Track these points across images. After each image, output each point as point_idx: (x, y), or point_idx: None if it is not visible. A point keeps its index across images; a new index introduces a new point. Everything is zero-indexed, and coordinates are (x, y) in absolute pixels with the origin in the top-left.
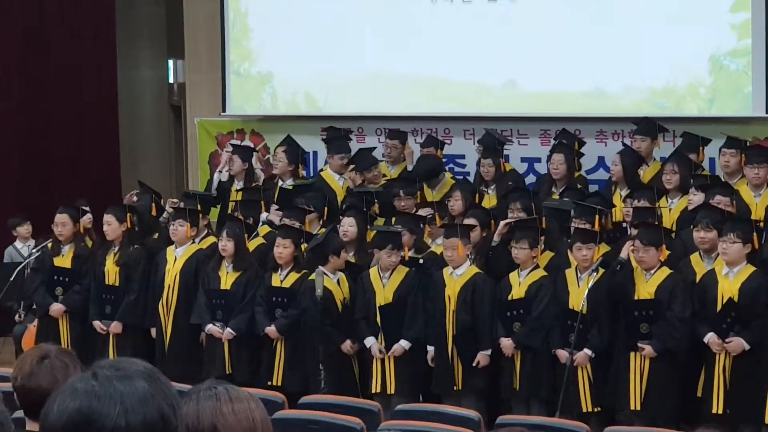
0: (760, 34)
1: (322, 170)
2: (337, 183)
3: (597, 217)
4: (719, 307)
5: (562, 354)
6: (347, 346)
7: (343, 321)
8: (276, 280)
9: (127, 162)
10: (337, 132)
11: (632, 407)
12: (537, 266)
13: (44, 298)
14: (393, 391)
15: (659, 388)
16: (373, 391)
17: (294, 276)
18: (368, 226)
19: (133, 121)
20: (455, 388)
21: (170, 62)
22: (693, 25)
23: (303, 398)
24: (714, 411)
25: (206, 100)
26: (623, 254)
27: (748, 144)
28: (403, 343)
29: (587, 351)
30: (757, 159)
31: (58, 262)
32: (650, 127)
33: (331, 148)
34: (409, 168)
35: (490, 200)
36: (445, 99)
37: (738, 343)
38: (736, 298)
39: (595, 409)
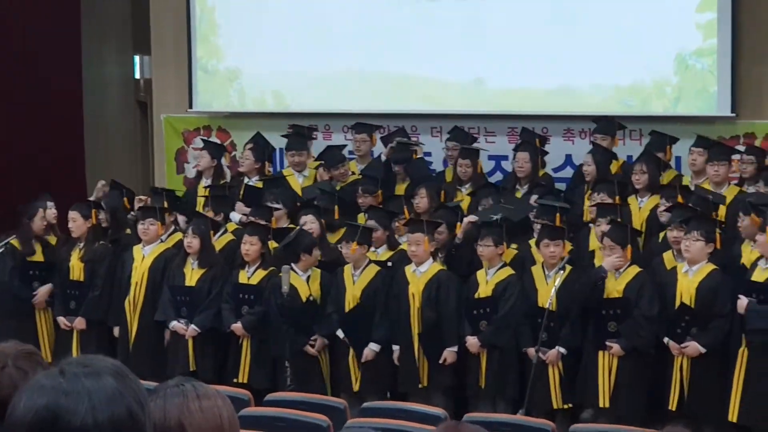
0: (725, 34)
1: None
2: (296, 180)
3: (558, 215)
4: (677, 304)
5: (532, 352)
6: (310, 347)
7: (306, 319)
8: (243, 277)
9: (93, 158)
10: (299, 129)
11: (601, 404)
12: (504, 264)
13: (21, 290)
14: (358, 389)
15: (627, 386)
16: (355, 389)
17: (261, 273)
18: (336, 221)
19: (99, 118)
20: (421, 385)
21: (136, 58)
22: (659, 24)
23: (269, 395)
24: (670, 408)
25: (173, 96)
26: (606, 266)
27: (713, 142)
28: (373, 347)
29: (560, 348)
30: (718, 157)
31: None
32: (609, 125)
33: (286, 146)
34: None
35: (465, 199)
36: (412, 96)
37: (693, 348)
38: (693, 297)
39: (566, 406)
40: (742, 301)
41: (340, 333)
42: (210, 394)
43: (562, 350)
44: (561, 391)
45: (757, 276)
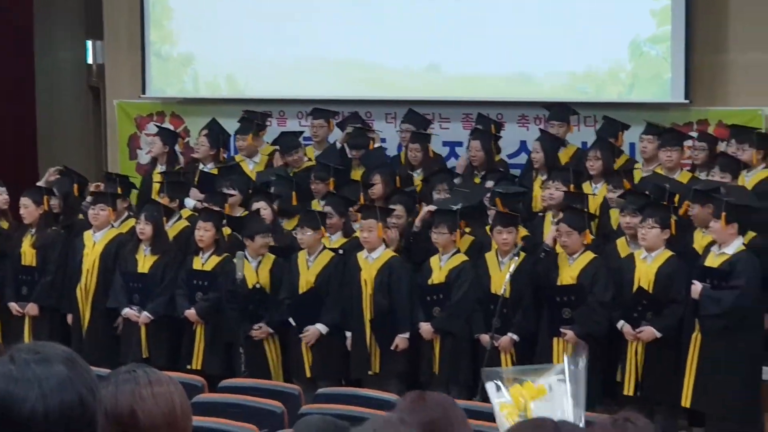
0: (679, 21)
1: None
2: (247, 166)
3: (514, 201)
4: (635, 290)
5: (485, 338)
6: (258, 331)
7: (251, 306)
8: (197, 263)
9: (45, 144)
10: (250, 115)
11: None
12: (458, 251)
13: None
14: (311, 375)
15: None
16: (308, 375)
17: (215, 259)
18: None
19: (51, 103)
20: (374, 371)
21: (89, 43)
22: (614, 11)
23: (223, 382)
24: (625, 392)
25: (126, 81)
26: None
27: (666, 129)
28: (320, 327)
29: (512, 335)
30: (671, 143)
31: None
32: (563, 111)
33: (235, 131)
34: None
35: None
36: (367, 82)
37: (649, 333)
38: (652, 283)
39: None
40: (697, 287)
41: (292, 321)
42: (162, 380)
43: (515, 337)
44: None
45: (711, 261)
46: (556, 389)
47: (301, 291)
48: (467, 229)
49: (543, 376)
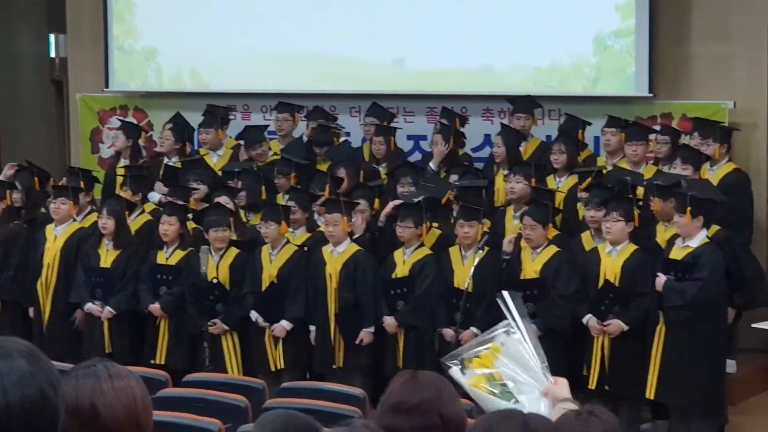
0: (643, 15)
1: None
2: (211, 160)
3: (479, 193)
4: (601, 284)
5: (448, 332)
6: (214, 327)
7: (209, 300)
8: (161, 257)
9: (8, 138)
10: (213, 109)
11: None
12: (422, 244)
13: None
14: (275, 369)
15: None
16: (273, 369)
17: (180, 253)
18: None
19: (14, 97)
20: (337, 365)
21: (51, 36)
22: (578, 5)
23: (187, 376)
24: (590, 386)
25: (89, 75)
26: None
27: (629, 122)
28: (285, 324)
29: (474, 329)
30: (636, 137)
31: None
32: (527, 104)
33: (199, 125)
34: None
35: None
36: (331, 76)
37: (616, 326)
38: (618, 276)
39: None
40: (661, 279)
41: (253, 315)
42: (123, 374)
43: (477, 331)
44: None
45: (675, 254)
46: (509, 342)
47: (264, 285)
48: (434, 224)
49: (493, 337)
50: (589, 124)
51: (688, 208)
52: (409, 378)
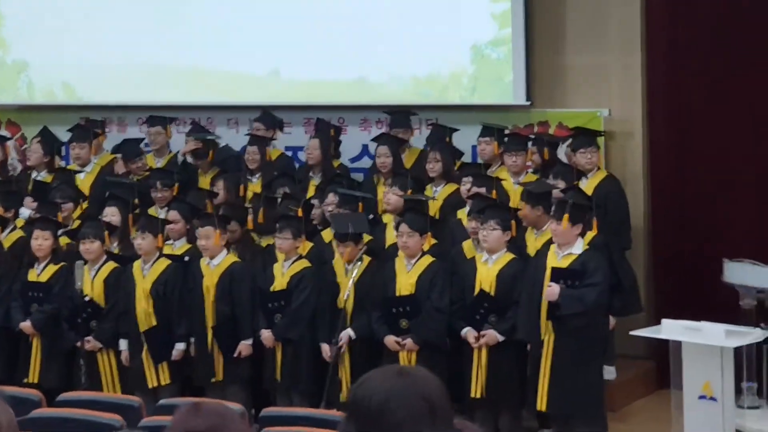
0: (519, 24)
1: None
2: (79, 176)
3: (361, 204)
4: (476, 293)
5: (326, 348)
6: (89, 344)
7: (79, 317)
8: (32, 274)
9: None
10: (87, 122)
11: None
12: (300, 257)
13: None
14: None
15: None
16: (150, 386)
17: (52, 269)
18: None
19: None
20: (217, 379)
21: None
22: (455, 15)
23: (62, 395)
24: (472, 395)
25: None
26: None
27: (506, 132)
28: (179, 347)
29: (350, 332)
30: (515, 147)
31: None
32: (404, 118)
33: (69, 139)
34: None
35: (255, 189)
36: (208, 88)
37: (491, 336)
38: (494, 285)
39: None
40: (554, 289)
41: (121, 344)
42: None
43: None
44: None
45: (557, 263)
46: None
47: (137, 300)
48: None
49: None
50: (456, 130)
51: (566, 215)
52: (192, 407)
